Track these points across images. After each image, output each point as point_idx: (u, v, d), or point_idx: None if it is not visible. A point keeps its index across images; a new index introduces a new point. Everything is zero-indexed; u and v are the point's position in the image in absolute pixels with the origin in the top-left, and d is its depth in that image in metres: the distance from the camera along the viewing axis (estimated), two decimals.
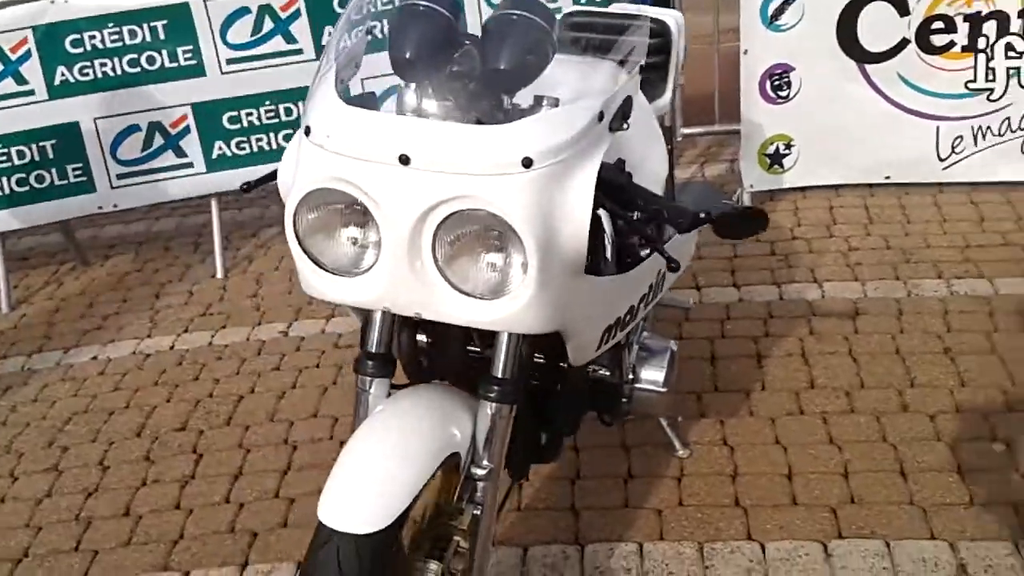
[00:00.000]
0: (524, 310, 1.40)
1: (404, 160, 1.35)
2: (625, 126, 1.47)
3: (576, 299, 1.47)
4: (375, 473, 1.42)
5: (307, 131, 1.43)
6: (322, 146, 1.41)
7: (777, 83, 3.42)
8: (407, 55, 1.46)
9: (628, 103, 1.47)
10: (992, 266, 3.01)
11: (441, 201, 1.36)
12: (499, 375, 1.51)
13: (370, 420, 1.53)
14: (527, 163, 1.33)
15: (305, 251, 1.47)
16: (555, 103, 1.47)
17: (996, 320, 2.74)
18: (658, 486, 2.28)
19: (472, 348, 1.69)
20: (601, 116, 1.42)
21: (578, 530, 2.17)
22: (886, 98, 3.43)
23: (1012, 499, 2.11)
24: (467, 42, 1.51)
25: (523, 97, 1.51)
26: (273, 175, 1.62)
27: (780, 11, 3.36)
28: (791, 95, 3.44)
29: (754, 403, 2.52)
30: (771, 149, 3.55)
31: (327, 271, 1.48)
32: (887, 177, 3.54)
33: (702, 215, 1.49)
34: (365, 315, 1.61)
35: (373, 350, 1.57)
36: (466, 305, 1.43)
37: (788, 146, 3.54)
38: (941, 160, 3.47)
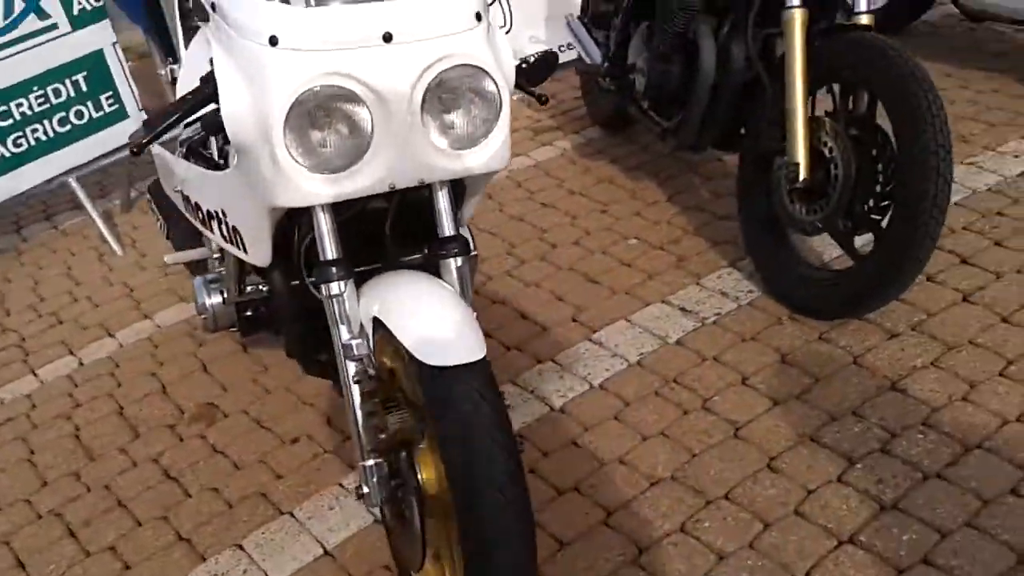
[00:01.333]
0: (502, 146, 1.60)
1: (387, 38, 1.47)
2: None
3: None
4: (446, 312, 1.53)
5: (273, 41, 1.45)
6: (298, 48, 1.44)
7: None
8: None
9: None
10: None
11: (428, 65, 1.49)
12: (452, 232, 1.66)
13: (392, 281, 1.63)
14: (479, 17, 1.53)
15: (296, 160, 1.49)
16: None
17: None
18: None
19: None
20: None
21: None
22: None
23: None
24: None
25: None
26: (171, 120, 1.59)
27: None
28: None
29: None
30: None
31: (322, 173, 1.51)
32: None
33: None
34: (303, 226, 1.69)
35: (333, 256, 1.61)
36: (459, 157, 1.58)
37: None
38: None
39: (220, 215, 1.83)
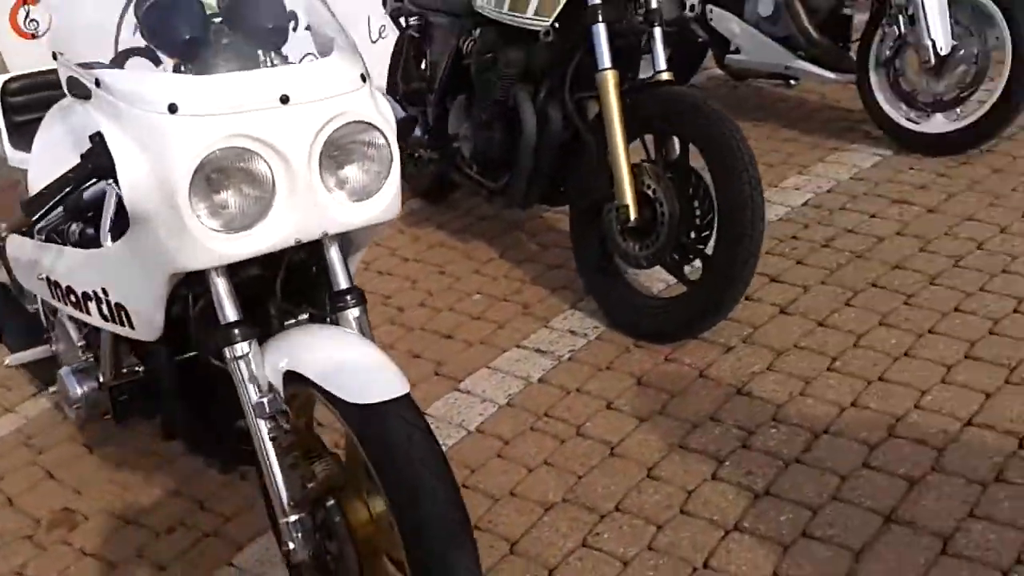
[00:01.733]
0: (395, 197, 1.71)
1: (284, 100, 1.54)
2: None
3: None
4: (362, 353, 1.59)
5: (172, 108, 1.48)
6: (199, 114, 1.48)
7: None
8: (185, 38, 1.62)
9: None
10: None
11: (324, 123, 1.57)
12: (347, 285, 1.72)
13: (297, 336, 1.66)
14: (363, 78, 1.64)
15: (202, 223, 1.52)
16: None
17: None
18: None
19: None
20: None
21: None
22: None
23: None
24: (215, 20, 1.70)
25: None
26: (56, 199, 1.58)
27: None
28: None
29: None
30: None
31: (229, 233, 1.54)
32: None
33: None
34: (203, 292, 1.70)
35: (234, 318, 1.64)
36: (356, 209, 1.66)
37: None
38: None
39: (100, 294, 1.79)
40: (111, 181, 1.58)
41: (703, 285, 2.64)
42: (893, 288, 2.87)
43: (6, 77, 2.44)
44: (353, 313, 1.73)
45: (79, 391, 2.03)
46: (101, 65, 1.63)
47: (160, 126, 1.50)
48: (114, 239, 1.77)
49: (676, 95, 2.67)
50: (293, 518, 1.66)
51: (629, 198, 2.65)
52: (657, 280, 3.01)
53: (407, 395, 1.53)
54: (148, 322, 1.73)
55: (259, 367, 1.65)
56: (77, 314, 1.90)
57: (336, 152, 1.62)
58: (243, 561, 2.20)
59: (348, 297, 1.72)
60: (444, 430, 2.51)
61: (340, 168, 1.64)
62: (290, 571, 1.82)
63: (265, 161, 1.54)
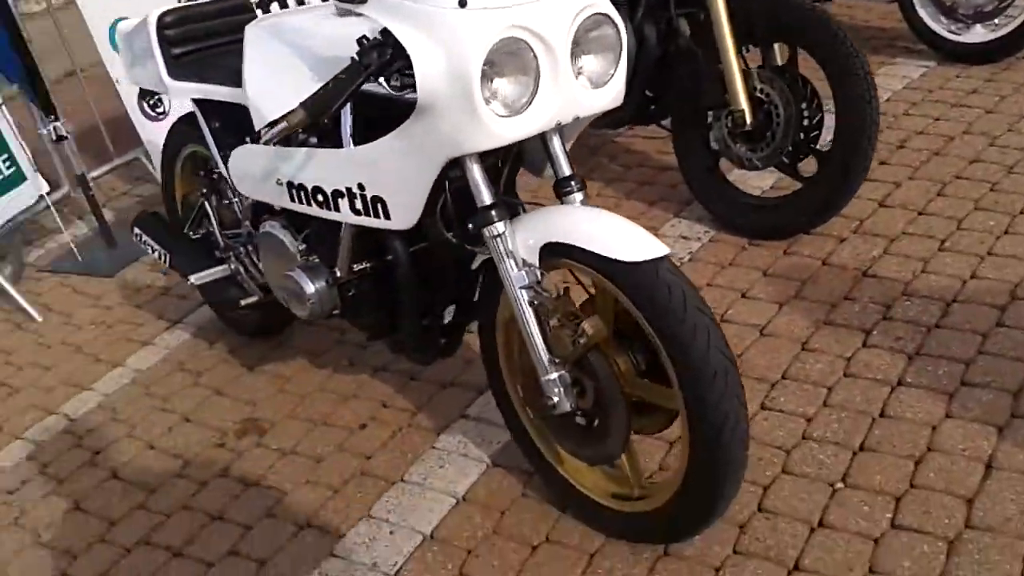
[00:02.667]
0: (623, 84, 1.88)
1: None
2: None
3: None
4: (618, 222, 1.78)
5: (462, 3, 1.63)
6: (486, 7, 1.65)
7: (152, 102, 3.67)
8: None
9: None
10: None
11: (576, 13, 1.74)
12: (570, 172, 1.91)
13: (544, 215, 1.83)
14: None
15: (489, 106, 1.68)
16: None
17: None
18: None
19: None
20: None
21: None
22: None
23: None
24: None
25: None
26: (343, 98, 1.74)
27: None
28: (167, 110, 3.75)
29: None
30: None
31: (508, 116, 1.71)
32: None
33: None
34: (458, 177, 1.86)
35: (491, 200, 1.81)
36: (595, 95, 1.83)
37: None
38: None
39: (354, 190, 1.94)
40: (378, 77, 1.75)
41: (821, 180, 2.85)
42: (977, 179, 3.12)
43: (160, 11, 2.54)
44: (579, 196, 1.91)
45: (312, 287, 2.17)
46: None
47: (452, 20, 1.65)
48: (356, 141, 1.94)
49: (781, 2, 2.86)
50: (554, 375, 1.84)
51: (744, 102, 2.85)
52: (761, 182, 3.22)
53: (667, 255, 1.72)
54: (407, 210, 1.89)
55: (513, 244, 1.83)
56: (321, 212, 2.04)
57: (579, 42, 1.79)
58: (443, 444, 2.38)
59: (573, 182, 1.91)
60: None
61: (581, 57, 1.81)
62: (545, 424, 2.00)
63: (532, 50, 1.70)
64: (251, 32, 2.18)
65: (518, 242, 1.83)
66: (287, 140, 2.08)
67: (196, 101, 2.53)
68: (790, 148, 2.89)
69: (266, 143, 1.87)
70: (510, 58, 1.69)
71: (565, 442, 1.98)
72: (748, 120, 2.85)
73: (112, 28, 3.75)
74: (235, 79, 2.31)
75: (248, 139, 2.25)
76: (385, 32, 1.73)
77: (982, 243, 2.77)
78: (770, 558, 1.90)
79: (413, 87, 1.73)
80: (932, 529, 1.90)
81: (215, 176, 2.58)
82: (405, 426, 2.49)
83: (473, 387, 2.57)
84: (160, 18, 2.53)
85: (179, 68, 2.52)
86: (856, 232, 2.94)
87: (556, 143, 1.90)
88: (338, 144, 1.99)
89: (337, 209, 2.00)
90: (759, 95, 2.87)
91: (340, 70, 1.76)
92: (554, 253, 1.79)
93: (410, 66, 1.70)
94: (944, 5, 3.95)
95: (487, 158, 1.88)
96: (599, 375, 1.82)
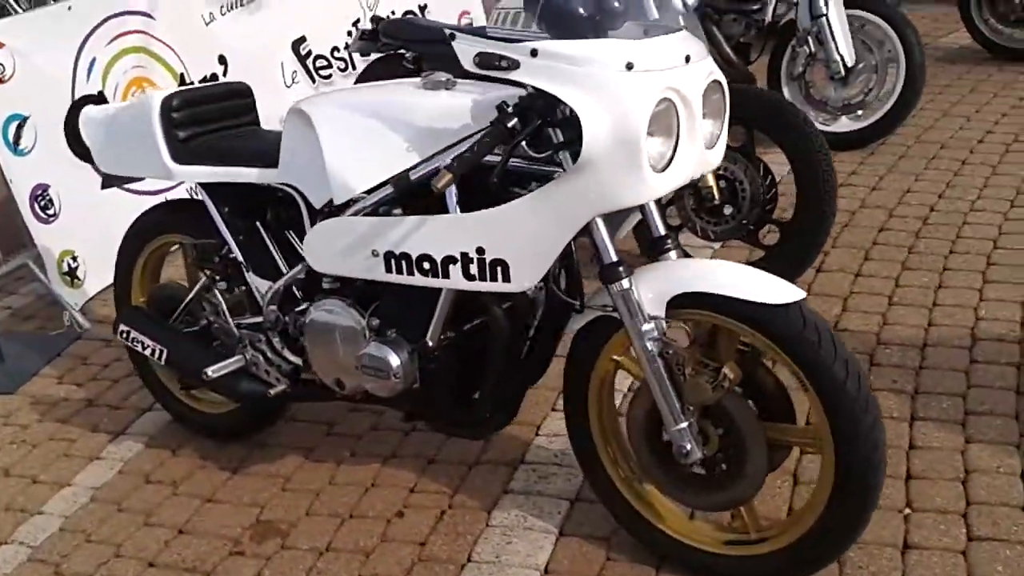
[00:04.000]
0: (724, 147, 1.98)
1: (687, 59, 1.80)
2: None
3: None
4: (746, 270, 1.87)
5: (629, 66, 1.70)
6: (648, 70, 1.72)
7: (43, 203, 3.59)
8: (615, 5, 1.85)
9: None
10: None
11: (705, 77, 1.84)
12: (664, 231, 2.00)
13: (662, 268, 1.92)
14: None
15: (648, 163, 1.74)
16: None
17: None
18: None
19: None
20: None
21: None
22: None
23: None
24: None
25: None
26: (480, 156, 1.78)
27: (18, 136, 3.53)
28: (58, 211, 3.65)
29: None
30: (64, 267, 3.70)
31: (657, 172, 1.77)
32: None
33: None
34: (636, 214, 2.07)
35: (615, 259, 1.86)
36: (711, 154, 1.93)
37: (75, 259, 3.72)
38: None
39: (470, 255, 1.91)
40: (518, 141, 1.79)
41: (785, 248, 3.09)
42: (892, 244, 3.49)
43: (164, 94, 2.41)
44: (674, 254, 1.99)
45: (397, 360, 2.08)
46: (529, 38, 1.80)
47: (620, 82, 1.71)
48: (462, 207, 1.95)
49: (737, 89, 3.11)
50: (683, 425, 1.87)
51: (711, 180, 3.05)
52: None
53: (805, 298, 1.82)
54: (532, 271, 1.86)
55: (637, 299, 1.86)
56: (425, 281, 1.98)
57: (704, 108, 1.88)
58: (501, 520, 2.30)
59: (670, 240, 2.00)
60: None
61: (706, 119, 1.90)
62: (678, 473, 1.97)
63: (677, 111, 1.79)
64: (315, 110, 2.10)
65: (642, 296, 1.87)
66: (375, 212, 2.03)
67: (205, 186, 2.40)
68: (752, 220, 3.11)
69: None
70: (660, 118, 1.76)
71: (683, 495, 2.00)
72: (716, 196, 3.05)
73: (6, 124, 3.47)
74: (261, 160, 2.26)
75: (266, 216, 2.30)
76: (530, 97, 1.77)
77: (925, 296, 3.08)
78: None
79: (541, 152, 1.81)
80: (1007, 536, 2.06)
81: (227, 262, 2.43)
82: (447, 508, 2.39)
83: (503, 463, 2.51)
84: (165, 101, 2.40)
85: (187, 152, 2.39)
86: (811, 294, 3.18)
87: (652, 203, 1.97)
88: (433, 211, 1.96)
89: (446, 276, 1.95)
90: (723, 172, 3.08)
91: (481, 134, 1.80)
92: (679, 305, 1.84)
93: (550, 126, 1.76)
94: (815, 99, 4.43)
95: None
96: (737, 417, 1.87)
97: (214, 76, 4.28)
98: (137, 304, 2.75)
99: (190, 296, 2.55)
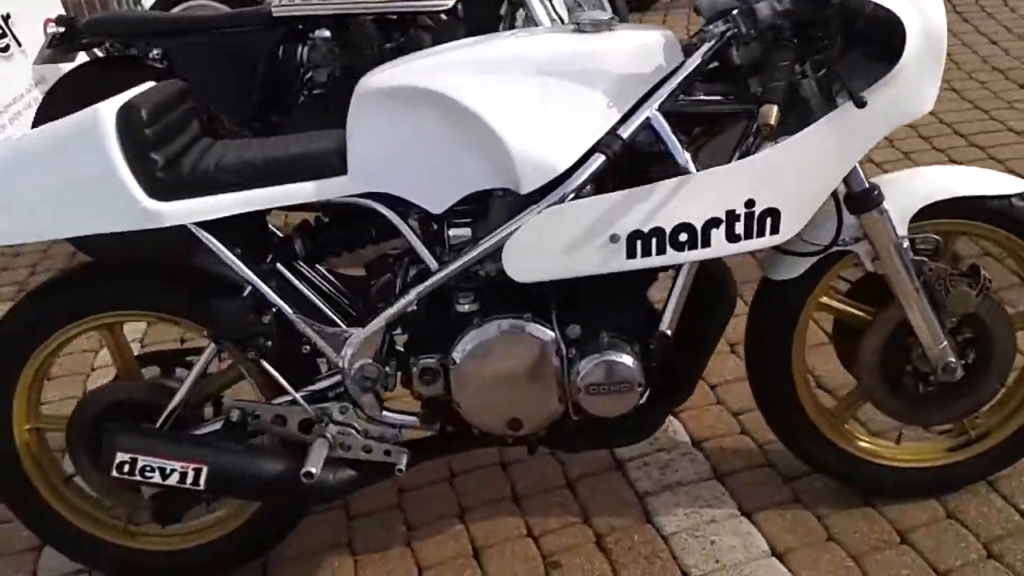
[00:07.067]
0: None
1: None
2: None
3: None
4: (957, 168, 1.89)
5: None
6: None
7: None
8: None
9: None
10: None
11: None
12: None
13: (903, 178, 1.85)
14: None
15: None
16: None
17: None
18: None
19: None
20: None
21: None
22: None
23: None
24: None
25: None
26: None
27: None
28: None
29: None
30: None
31: None
32: None
33: None
34: None
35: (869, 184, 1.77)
36: None
37: None
38: None
39: (738, 211, 1.67)
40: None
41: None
42: None
43: (116, 104, 1.69)
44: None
45: (635, 364, 1.77)
46: None
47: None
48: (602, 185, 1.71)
49: None
50: (945, 343, 1.84)
51: None
52: None
53: None
54: (801, 216, 1.69)
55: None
56: (676, 257, 1.69)
57: None
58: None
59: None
60: None
61: None
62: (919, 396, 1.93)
63: None
64: (437, 81, 1.67)
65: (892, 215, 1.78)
66: (600, 188, 1.70)
67: (205, 225, 1.73)
68: None
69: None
70: None
71: (922, 415, 1.97)
72: None
73: None
74: (306, 169, 1.72)
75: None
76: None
77: None
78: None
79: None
80: None
81: (267, 320, 1.78)
82: (602, 536, 2.04)
83: (597, 473, 2.22)
84: (123, 115, 1.68)
85: (172, 183, 1.70)
86: None
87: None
88: (658, 176, 1.67)
89: (706, 244, 1.68)
90: None
91: (774, 57, 1.59)
92: (919, 219, 1.81)
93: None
94: None
95: None
96: (990, 319, 1.87)
97: None
98: (32, 430, 1.94)
99: (188, 383, 1.85)
